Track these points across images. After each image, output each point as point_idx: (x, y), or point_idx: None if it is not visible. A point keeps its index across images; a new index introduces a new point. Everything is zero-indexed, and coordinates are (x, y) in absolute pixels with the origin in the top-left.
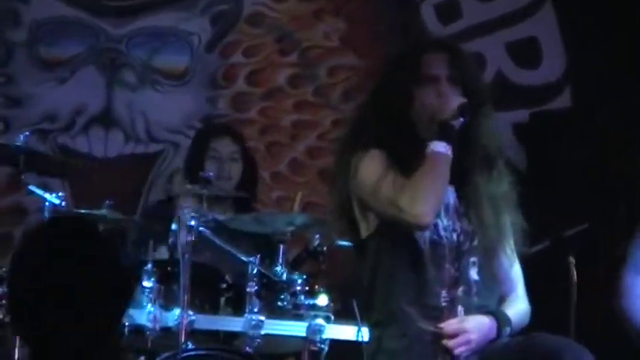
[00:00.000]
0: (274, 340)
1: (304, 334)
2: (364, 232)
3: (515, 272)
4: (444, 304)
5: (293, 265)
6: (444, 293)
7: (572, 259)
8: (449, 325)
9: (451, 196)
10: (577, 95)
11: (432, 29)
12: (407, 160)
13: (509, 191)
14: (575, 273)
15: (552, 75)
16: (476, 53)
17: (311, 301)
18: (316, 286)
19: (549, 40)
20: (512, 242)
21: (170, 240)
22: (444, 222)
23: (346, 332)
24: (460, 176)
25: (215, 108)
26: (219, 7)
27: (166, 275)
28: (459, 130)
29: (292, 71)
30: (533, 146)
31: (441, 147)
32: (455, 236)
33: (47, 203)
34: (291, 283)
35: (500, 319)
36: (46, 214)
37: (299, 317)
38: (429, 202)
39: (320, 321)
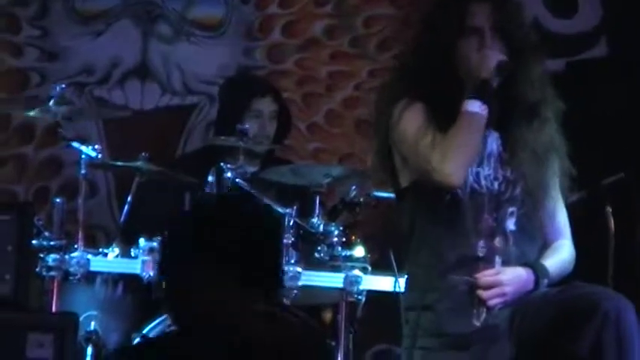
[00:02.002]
0: (311, 291)
1: (341, 286)
2: (404, 182)
3: (560, 220)
4: (480, 254)
5: (329, 217)
6: (481, 243)
7: (609, 209)
8: (484, 276)
9: (495, 143)
10: (613, 45)
11: None
12: (447, 114)
13: (554, 139)
14: (612, 222)
15: (588, 24)
16: None
17: (348, 253)
18: (353, 238)
19: None
20: (557, 190)
21: (207, 191)
22: (485, 170)
23: (383, 283)
24: (504, 123)
25: (251, 59)
26: None
27: None
28: (501, 84)
29: (328, 22)
30: (570, 96)
31: (475, 106)
32: (496, 185)
33: (84, 156)
34: (327, 234)
35: (539, 271)
36: (82, 167)
37: (336, 268)
38: (459, 162)
39: (357, 272)
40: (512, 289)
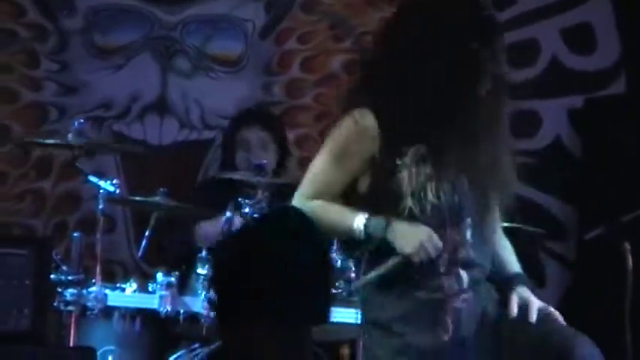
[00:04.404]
0: (329, 327)
1: (359, 321)
2: (360, 188)
3: (498, 222)
4: (443, 269)
5: (347, 252)
6: (445, 257)
7: (627, 246)
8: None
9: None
10: (631, 81)
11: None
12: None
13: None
14: (630, 259)
15: (607, 61)
16: (531, 39)
17: None
18: None
19: (604, 26)
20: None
21: (224, 227)
22: (444, 185)
23: None
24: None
25: (269, 95)
26: None
27: None
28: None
29: (347, 57)
30: (588, 132)
31: (358, 232)
32: (455, 197)
33: (102, 190)
34: (345, 269)
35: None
36: (100, 202)
37: (353, 304)
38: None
39: None
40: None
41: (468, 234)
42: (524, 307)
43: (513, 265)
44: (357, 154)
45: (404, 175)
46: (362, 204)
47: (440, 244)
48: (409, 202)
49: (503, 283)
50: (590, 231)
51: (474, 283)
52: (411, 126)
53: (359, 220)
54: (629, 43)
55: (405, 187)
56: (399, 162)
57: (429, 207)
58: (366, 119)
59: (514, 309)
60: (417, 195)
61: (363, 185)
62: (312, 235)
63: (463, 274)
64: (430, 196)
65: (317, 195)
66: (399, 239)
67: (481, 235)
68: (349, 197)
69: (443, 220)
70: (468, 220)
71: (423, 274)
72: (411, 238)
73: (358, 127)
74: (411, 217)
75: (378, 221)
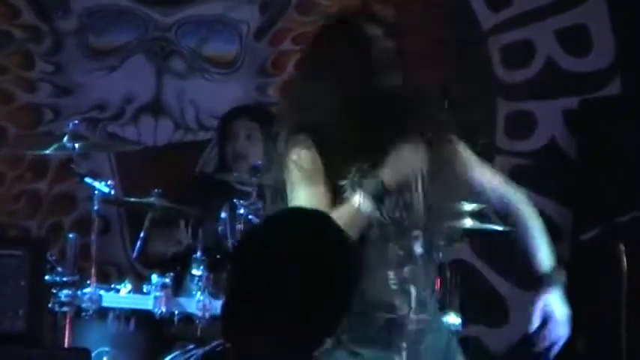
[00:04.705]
0: None
1: None
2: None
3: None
4: (394, 287)
5: None
6: (391, 275)
7: (622, 247)
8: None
9: None
10: (627, 82)
11: (481, 17)
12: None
13: (450, 163)
14: (625, 261)
15: (602, 62)
16: (526, 40)
17: None
18: None
19: (599, 28)
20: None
21: (219, 228)
22: (386, 202)
23: None
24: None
25: (264, 96)
26: None
27: (216, 263)
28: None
29: None
30: (584, 133)
31: (367, 206)
32: (397, 212)
33: (97, 192)
34: None
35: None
36: (95, 203)
37: None
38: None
39: None
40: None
41: (417, 247)
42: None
43: (542, 261)
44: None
45: (348, 194)
46: None
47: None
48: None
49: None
50: (585, 232)
51: (423, 303)
52: (348, 149)
53: (355, 198)
54: (624, 45)
55: None
56: (342, 183)
57: (373, 224)
58: (304, 156)
59: (534, 322)
60: None
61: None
62: (336, 234)
63: (413, 291)
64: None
65: None
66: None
67: (430, 248)
68: None
69: (387, 236)
70: (415, 233)
71: (377, 292)
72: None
73: (304, 164)
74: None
75: (369, 182)
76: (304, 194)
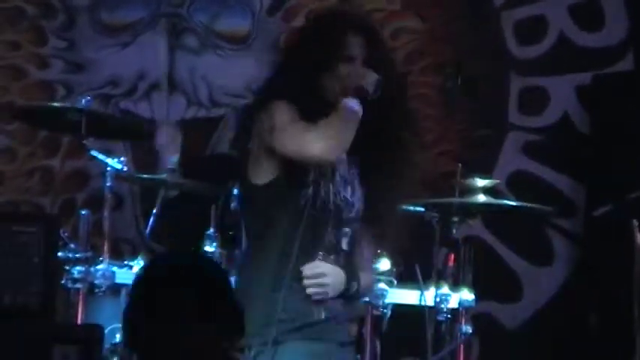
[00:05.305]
0: None
1: (367, 299)
2: (262, 178)
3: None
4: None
5: None
6: (320, 256)
7: (635, 222)
8: (307, 267)
9: (343, 164)
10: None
11: None
12: (315, 116)
13: (408, 168)
14: (638, 236)
15: (615, 38)
16: (539, 16)
17: (373, 266)
18: (378, 251)
19: (612, 3)
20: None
21: (232, 204)
22: (332, 187)
23: (409, 296)
24: (361, 148)
25: None
26: None
27: (228, 240)
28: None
29: None
30: (597, 109)
31: (354, 104)
32: (341, 204)
33: (109, 168)
34: None
35: (350, 274)
36: (108, 179)
37: None
38: (334, 142)
39: (382, 285)
40: (332, 280)
41: (344, 243)
42: None
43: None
44: None
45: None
46: (260, 192)
47: None
48: (310, 192)
49: None
50: (598, 208)
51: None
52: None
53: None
54: (637, 20)
55: (310, 177)
56: None
57: (318, 203)
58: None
59: None
60: (314, 189)
61: (264, 174)
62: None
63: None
64: (322, 193)
65: None
66: None
67: (354, 248)
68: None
69: (327, 220)
70: (346, 230)
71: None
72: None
73: (285, 105)
74: (302, 209)
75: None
76: (297, 124)
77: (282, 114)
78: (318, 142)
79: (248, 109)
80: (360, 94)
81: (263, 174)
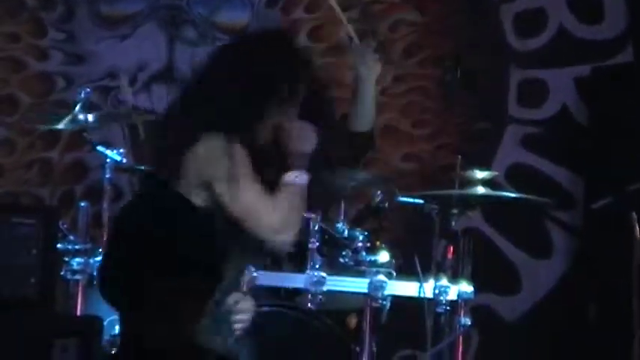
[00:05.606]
0: (336, 296)
1: (366, 291)
2: (196, 200)
3: None
4: (245, 288)
5: (354, 222)
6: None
7: (634, 215)
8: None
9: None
10: (639, 51)
11: None
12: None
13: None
14: (638, 229)
15: (614, 30)
16: (538, 8)
17: (372, 258)
18: (378, 243)
19: None
20: None
21: None
22: None
23: (408, 288)
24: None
25: None
26: None
27: None
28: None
29: (354, 27)
30: (596, 101)
31: (303, 178)
32: None
33: (108, 160)
34: (352, 239)
35: None
36: (107, 171)
37: (360, 274)
38: (288, 231)
39: (382, 277)
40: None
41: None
42: None
43: None
44: None
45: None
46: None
47: None
48: None
49: None
50: (597, 200)
51: None
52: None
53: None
54: (636, 13)
55: None
56: None
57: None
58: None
59: None
60: None
61: (197, 199)
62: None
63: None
64: None
65: None
66: None
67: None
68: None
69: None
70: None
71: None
72: None
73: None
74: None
75: None
76: (253, 190)
77: (242, 165)
78: (284, 234)
79: (166, 131)
80: (301, 158)
81: (193, 198)
